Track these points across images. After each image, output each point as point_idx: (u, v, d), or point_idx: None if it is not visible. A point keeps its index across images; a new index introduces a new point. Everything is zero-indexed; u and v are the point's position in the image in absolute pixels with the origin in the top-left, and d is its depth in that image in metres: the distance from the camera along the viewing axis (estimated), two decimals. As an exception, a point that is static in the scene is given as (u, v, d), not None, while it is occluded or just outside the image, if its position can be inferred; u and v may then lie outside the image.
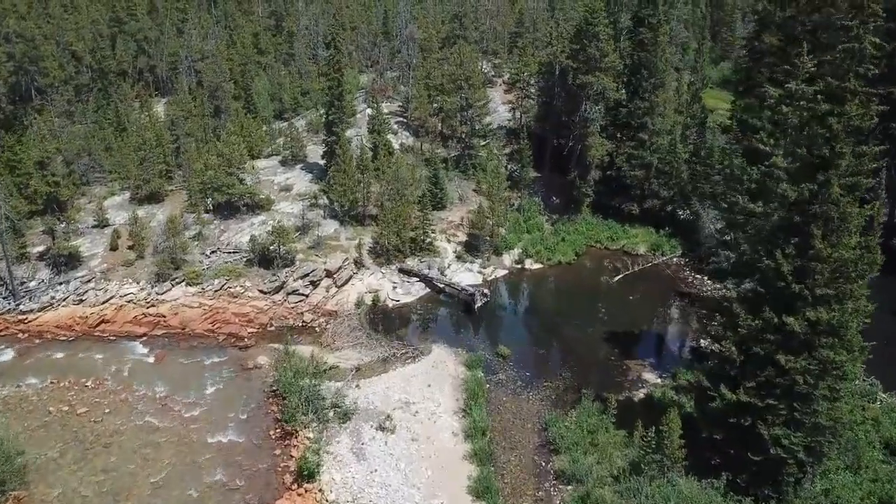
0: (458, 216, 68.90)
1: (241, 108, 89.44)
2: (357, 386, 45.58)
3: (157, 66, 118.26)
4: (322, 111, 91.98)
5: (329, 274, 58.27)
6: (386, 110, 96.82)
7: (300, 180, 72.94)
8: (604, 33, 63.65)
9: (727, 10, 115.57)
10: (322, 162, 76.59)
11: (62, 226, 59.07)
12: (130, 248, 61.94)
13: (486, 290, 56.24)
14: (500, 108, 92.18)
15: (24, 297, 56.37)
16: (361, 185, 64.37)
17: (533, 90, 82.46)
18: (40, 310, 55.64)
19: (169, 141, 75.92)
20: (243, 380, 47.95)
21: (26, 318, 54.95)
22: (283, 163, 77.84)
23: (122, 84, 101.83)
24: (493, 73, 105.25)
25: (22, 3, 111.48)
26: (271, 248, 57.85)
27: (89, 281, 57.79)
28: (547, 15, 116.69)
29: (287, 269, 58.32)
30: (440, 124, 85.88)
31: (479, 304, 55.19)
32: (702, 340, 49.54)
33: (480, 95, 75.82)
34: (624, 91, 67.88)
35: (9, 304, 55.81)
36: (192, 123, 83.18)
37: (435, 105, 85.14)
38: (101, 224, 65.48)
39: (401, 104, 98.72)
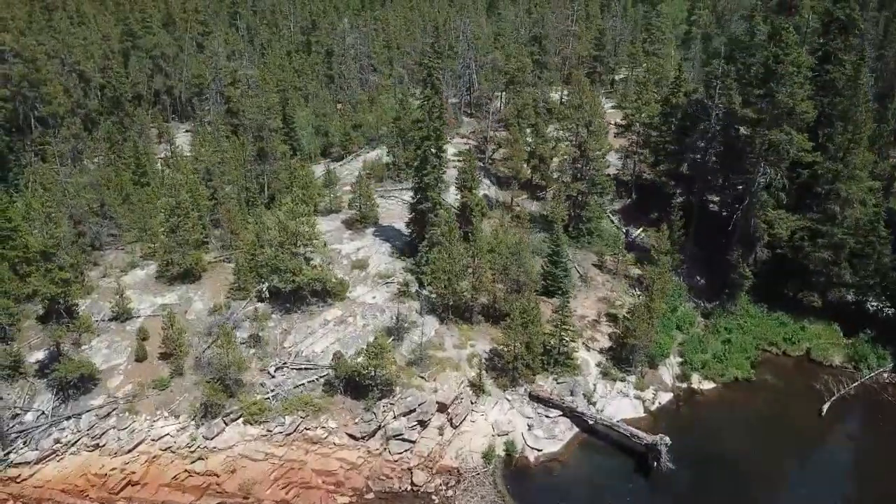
0: (591, 308, 52.73)
1: (289, 150, 73.33)
2: None
3: (176, 87, 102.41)
4: (386, 152, 76.29)
5: (442, 408, 42.07)
6: (452, 150, 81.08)
7: (376, 253, 56.64)
8: (798, 74, 47.68)
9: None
10: (402, 227, 60.42)
11: (71, 335, 42.36)
12: (163, 356, 45.65)
13: (665, 438, 39.91)
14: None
15: (15, 440, 39.99)
16: (471, 270, 48.12)
17: (654, 134, 66.49)
18: (39, 461, 39.32)
19: (205, 197, 59.68)
20: None
21: (19, 475, 38.63)
22: (349, 224, 61.63)
23: (136, 109, 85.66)
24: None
25: (21, 13, 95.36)
26: (364, 371, 41.50)
27: (109, 414, 41.44)
28: (631, 37, 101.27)
29: (384, 400, 42.02)
30: (531, 173, 69.97)
31: (664, 460, 38.94)
32: None
33: (602, 144, 59.78)
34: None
35: (-5, 451, 39.41)
36: (229, 169, 67.21)
37: (527, 149, 69.22)
38: (122, 316, 49.15)
39: (474, 143, 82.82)
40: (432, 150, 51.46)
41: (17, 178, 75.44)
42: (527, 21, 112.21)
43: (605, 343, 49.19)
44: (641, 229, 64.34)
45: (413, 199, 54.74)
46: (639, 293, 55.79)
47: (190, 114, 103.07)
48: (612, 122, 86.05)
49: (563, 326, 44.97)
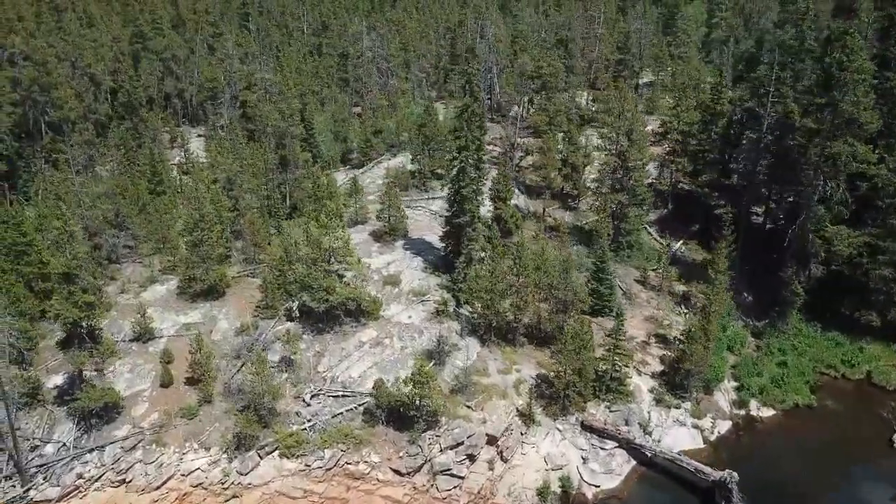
0: (639, 328, 49.94)
1: (311, 157, 70.57)
2: None
3: (186, 91, 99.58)
4: (410, 159, 73.36)
5: (492, 440, 39.30)
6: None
7: (408, 268, 53.84)
8: (863, 82, 44.92)
9: None
10: (433, 240, 57.70)
11: (94, 361, 39.42)
12: (190, 381, 42.85)
13: (734, 475, 37.07)
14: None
15: (35, 475, 37.20)
16: (515, 289, 45.29)
17: (693, 143, 63.68)
18: (61, 498, 36.57)
19: (227, 208, 56.91)
20: None
21: (39, 514, 35.82)
22: (377, 237, 58.86)
23: (148, 114, 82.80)
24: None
25: (28, 14, 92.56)
26: (409, 401, 38.69)
27: (135, 447, 38.67)
28: (655, 39, 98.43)
29: (429, 431, 39.24)
30: (563, 181, 67.17)
31: (735, 500, 36.15)
32: None
33: (644, 153, 56.99)
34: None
35: (13, 487, 36.58)
36: (248, 177, 64.55)
37: (559, 156, 66.39)
38: (144, 336, 46.36)
39: (499, 149, 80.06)
40: (471, 160, 48.62)
41: (26, 186, 72.78)
42: (545, 23, 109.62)
43: (657, 367, 46.40)
44: (681, 242, 61.61)
45: (448, 211, 51.94)
46: (686, 311, 53.16)
47: (201, 118, 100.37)
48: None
49: (617, 350, 42.19)
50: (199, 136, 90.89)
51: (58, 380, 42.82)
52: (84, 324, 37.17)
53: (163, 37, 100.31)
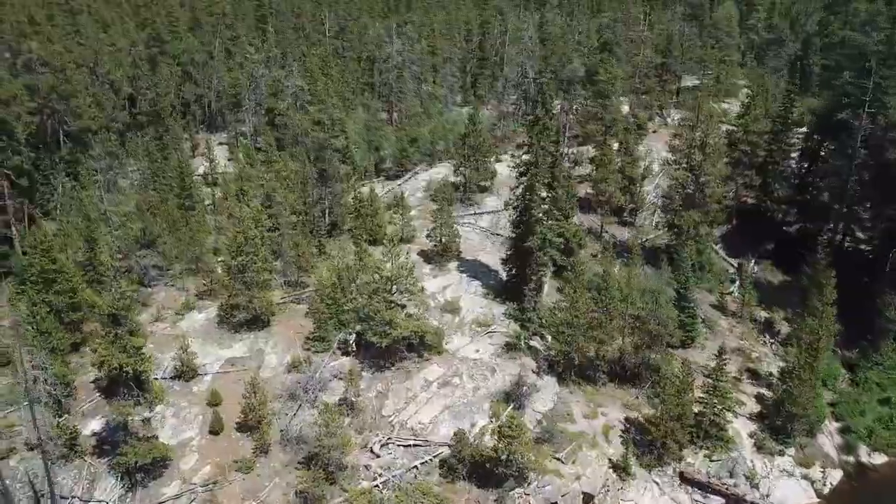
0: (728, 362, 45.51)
1: (351, 170, 66.30)
2: None
3: (205, 96, 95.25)
4: (452, 171, 68.83)
5: (588, 499, 35.05)
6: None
7: (466, 293, 49.63)
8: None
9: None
10: (488, 261, 53.53)
11: (140, 411, 34.98)
12: (242, 427, 38.54)
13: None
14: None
15: (76, 540, 32.90)
16: (599, 321, 40.91)
17: (761, 154, 59.41)
18: (107, 569, 32.17)
19: (266, 227, 52.52)
20: None
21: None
22: (428, 258, 54.64)
23: (175, 123, 78.55)
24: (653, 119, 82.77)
25: (39, 16, 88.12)
26: (495, 455, 34.39)
27: (187, 508, 34.32)
28: (701, 41, 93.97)
29: (518, 489, 34.90)
30: (622, 196, 62.80)
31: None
32: None
33: (720, 169, 52.67)
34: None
35: (52, 555, 32.27)
36: (286, 192, 60.48)
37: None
38: (187, 374, 42.11)
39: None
40: (543, 179, 44.32)
41: (44, 199, 68.43)
42: (577, 24, 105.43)
43: (753, 406, 42.12)
44: (753, 262, 57.30)
45: (513, 232, 47.65)
46: (772, 341, 48.88)
47: (220, 124, 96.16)
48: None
49: (718, 392, 37.90)
50: (221, 144, 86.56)
51: (95, 425, 38.60)
52: (131, 370, 32.86)
53: (180, 40, 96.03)
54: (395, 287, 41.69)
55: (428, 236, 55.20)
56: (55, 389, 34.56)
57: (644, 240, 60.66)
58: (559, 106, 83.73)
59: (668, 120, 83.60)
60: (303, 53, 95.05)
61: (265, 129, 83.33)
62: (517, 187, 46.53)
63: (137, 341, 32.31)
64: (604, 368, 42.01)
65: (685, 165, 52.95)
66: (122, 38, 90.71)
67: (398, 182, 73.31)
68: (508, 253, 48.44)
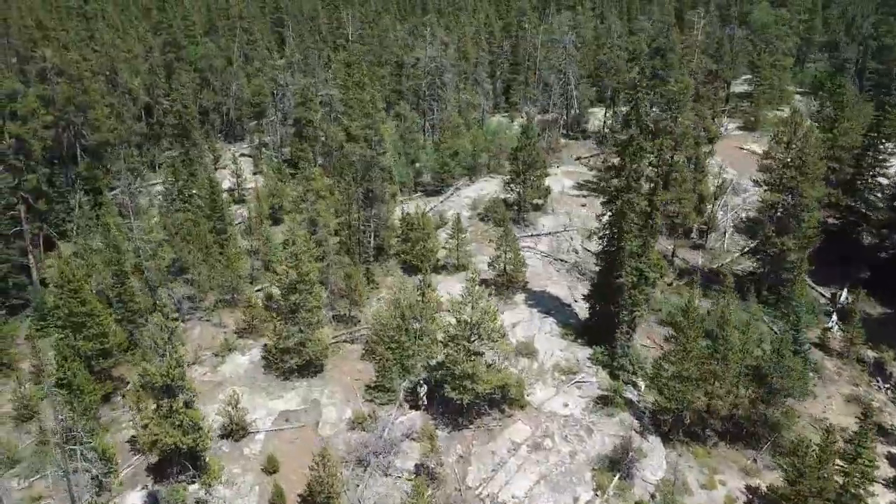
0: (843, 413, 40.29)
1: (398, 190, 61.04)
2: None
3: (224, 104, 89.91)
4: (502, 187, 63.19)
5: None
6: (569, 182, 68.77)
7: (540, 332, 44.36)
8: None
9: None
10: (558, 293, 48.31)
11: (196, 491, 29.68)
12: (305, 500, 33.20)
13: None
14: (748, 186, 63.70)
15: None
16: (712, 372, 35.61)
17: (848, 170, 54.14)
18: None
19: (314, 255, 47.07)
20: None
21: None
22: (490, 289, 49.13)
23: (202, 137, 73.25)
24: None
25: (47, 19, 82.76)
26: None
27: None
28: (752, 45, 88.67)
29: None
30: (695, 217, 57.53)
31: None
32: None
33: (818, 190, 47.42)
34: None
35: None
36: (329, 215, 55.23)
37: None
38: (236, 433, 36.76)
39: (593, 170, 70.72)
40: (643, 205, 39.03)
41: (59, 219, 63.24)
42: (615, 27, 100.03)
43: (886, 469, 36.80)
44: (845, 290, 52.07)
45: (599, 264, 42.36)
46: (886, 385, 43.60)
47: (239, 133, 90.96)
48: (743, 149, 74.32)
49: (862, 462, 32.60)
50: (243, 154, 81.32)
51: (135, 498, 33.25)
52: (187, 448, 27.61)
53: (196, 45, 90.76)
54: (474, 333, 36.33)
55: (490, 265, 49.88)
56: (94, 467, 29.21)
57: (720, 265, 55.64)
58: (609, 115, 78.86)
59: (723, 129, 78.55)
60: (329, 58, 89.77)
61: (293, 140, 78.25)
62: (603, 214, 41.27)
63: (195, 415, 26.97)
64: (715, 426, 36.71)
65: (777, 186, 47.70)
66: (137, 44, 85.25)
67: (440, 199, 68.06)
68: (591, 288, 43.11)
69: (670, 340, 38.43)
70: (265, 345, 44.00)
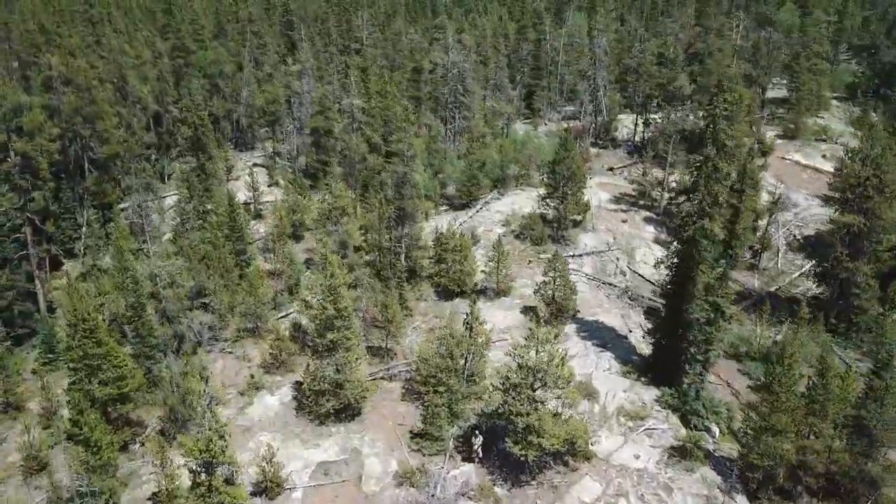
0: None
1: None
2: None
3: (235, 111, 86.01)
4: (538, 200, 59.02)
5: None
6: (605, 195, 64.80)
7: (598, 369, 40.40)
8: None
9: None
10: (612, 323, 44.42)
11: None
12: (354, 575, 29.34)
13: None
14: (811, 205, 59.99)
15: None
16: (810, 427, 31.72)
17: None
18: None
19: (344, 283, 43.03)
20: None
21: None
22: (537, 318, 45.29)
23: (218, 150, 69.23)
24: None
25: (51, 24, 79.00)
26: None
27: None
28: (788, 48, 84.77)
29: None
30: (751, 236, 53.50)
31: None
32: None
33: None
34: None
35: None
36: (358, 235, 51.72)
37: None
38: (271, 490, 32.77)
39: (632, 182, 66.88)
40: (717, 235, 35.13)
41: (66, 236, 59.51)
42: (637, 30, 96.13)
43: None
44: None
45: (666, 295, 38.43)
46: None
47: (249, 141, 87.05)
48: (786, 159, 70.59)
49: None
50: (255, 164, 77.41)
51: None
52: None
53: (205, 49, 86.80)
54: (538, 380, 32.40)
55: (537, 291, 45.93)
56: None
57: (777, 288, 51.86)
58: (649, 125, 74.94)
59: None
60: (345, 65, 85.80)
61: (309, 150, 74.36)
62: (673, 241, 37.38)
63: (239, 494, 23.04)
64: (809, 483, 32.82)
65: (853, 206, 43.81)
66: (145, 50, 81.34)
67: (468, 214, 64.04)
68: (655, 320, 39.23)
69: (754, 388, 34.53)
70: (297, 382, 40.17)
